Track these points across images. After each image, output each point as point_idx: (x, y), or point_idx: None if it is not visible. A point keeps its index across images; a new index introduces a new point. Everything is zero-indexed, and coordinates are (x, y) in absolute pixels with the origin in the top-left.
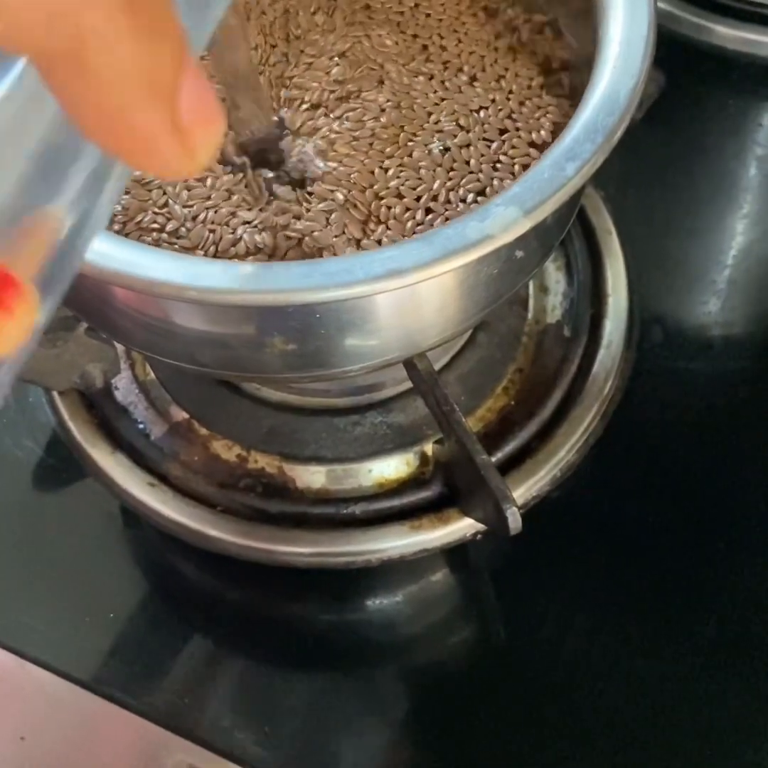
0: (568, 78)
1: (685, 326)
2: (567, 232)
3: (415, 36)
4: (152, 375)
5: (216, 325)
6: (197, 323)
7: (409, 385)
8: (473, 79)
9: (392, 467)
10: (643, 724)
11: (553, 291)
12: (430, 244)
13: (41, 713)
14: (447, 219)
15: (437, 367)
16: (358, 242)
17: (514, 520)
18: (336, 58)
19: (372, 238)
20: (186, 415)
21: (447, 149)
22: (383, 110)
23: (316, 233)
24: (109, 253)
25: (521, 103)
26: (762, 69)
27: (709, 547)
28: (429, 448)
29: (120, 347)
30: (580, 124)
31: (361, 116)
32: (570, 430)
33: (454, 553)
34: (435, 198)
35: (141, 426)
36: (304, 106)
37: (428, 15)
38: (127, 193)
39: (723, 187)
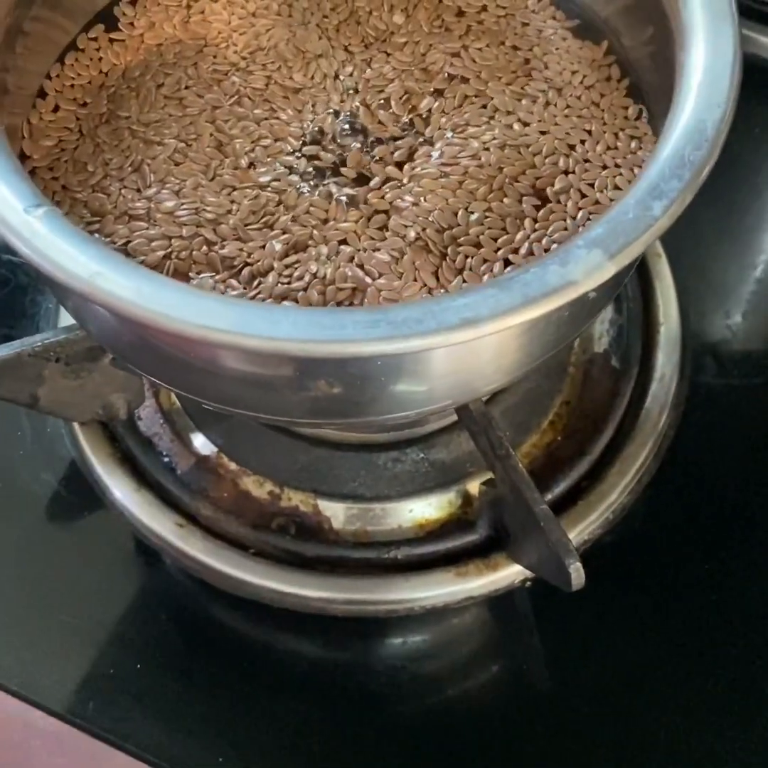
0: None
1: (739, 356)
2: None
3: (515, 48)
4: (178, 404)
5: (259, 367)
6: (237, 365)
7: (452, 419)
8: (567, 105)
9: (433, 507)
10: None
11: (599, 318)
12: (508, 291)
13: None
14: None
15: None
16: (430, 291)
17: (578, 576)
18: (434, 75)
19: (448, 288)
20: (214, 449)
21: (545, 201)
22: (486, 149)
23: (380, 281)
24: (150, 294)
25: (616, 136)
26: None
27: None
28: (472, 486)
29: None
30: (664, 159)
31: (457, 153)
32: (623, 470)
33: (498, 597)
34: (515, 250)
35: (166, 459)
36: (398, 128)
37: (526, 24)
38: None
39: None
